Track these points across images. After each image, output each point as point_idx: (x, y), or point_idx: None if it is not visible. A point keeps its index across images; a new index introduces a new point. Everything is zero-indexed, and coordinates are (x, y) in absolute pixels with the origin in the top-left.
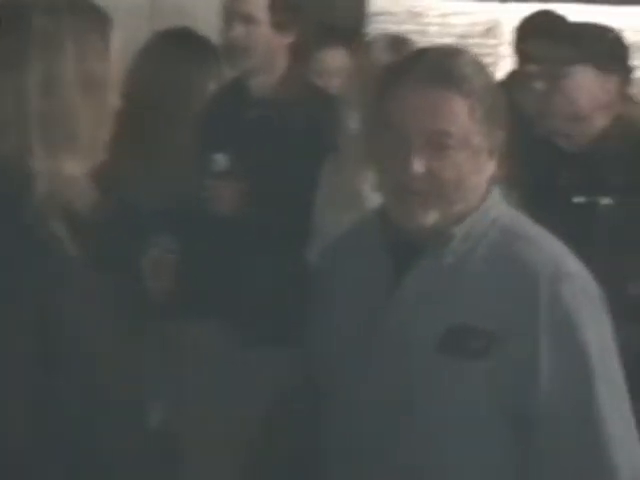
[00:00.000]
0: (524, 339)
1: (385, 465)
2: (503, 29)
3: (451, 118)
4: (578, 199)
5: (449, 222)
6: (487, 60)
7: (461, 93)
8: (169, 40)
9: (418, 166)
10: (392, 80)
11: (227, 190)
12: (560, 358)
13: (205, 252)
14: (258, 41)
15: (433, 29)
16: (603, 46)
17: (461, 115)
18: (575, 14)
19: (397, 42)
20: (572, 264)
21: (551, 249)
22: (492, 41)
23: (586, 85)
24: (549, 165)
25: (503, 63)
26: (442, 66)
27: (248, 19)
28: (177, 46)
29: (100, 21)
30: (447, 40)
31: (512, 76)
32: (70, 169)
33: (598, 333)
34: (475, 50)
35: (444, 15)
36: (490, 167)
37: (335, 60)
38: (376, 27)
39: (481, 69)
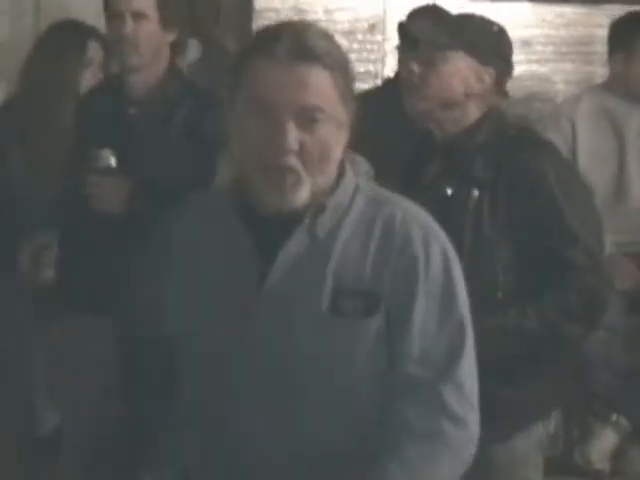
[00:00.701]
0: (406, 297)
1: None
2: (387, 25)
3: (319, 92)
4: (446, 190)
5: (316, 195)
6: (374, 56)
7: (325, 66)
8: (50, 32)
9: (292, 142)
10: (252, 59)
11: (111, 187)
12: (438, 310)
13: (87, 248)
14: (147, 38)
15: (319, 26)
16: (482, 37)
17: (328, 88)
18: (461, 9)
19: None
20: (435, 226)
21: (416, 213)
22: (378, 37)
23: (461, 72)
24: (419, 154)
25: (389, 59)
26: (302, 41)
27: (139, 16)
28: (56, 37)
29: None
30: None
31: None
32: None
33: (464, 291)
34: (361, 47)
35: (328, 11)
36: (345, 138)
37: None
38: (262, 23)
39: (332, 41)
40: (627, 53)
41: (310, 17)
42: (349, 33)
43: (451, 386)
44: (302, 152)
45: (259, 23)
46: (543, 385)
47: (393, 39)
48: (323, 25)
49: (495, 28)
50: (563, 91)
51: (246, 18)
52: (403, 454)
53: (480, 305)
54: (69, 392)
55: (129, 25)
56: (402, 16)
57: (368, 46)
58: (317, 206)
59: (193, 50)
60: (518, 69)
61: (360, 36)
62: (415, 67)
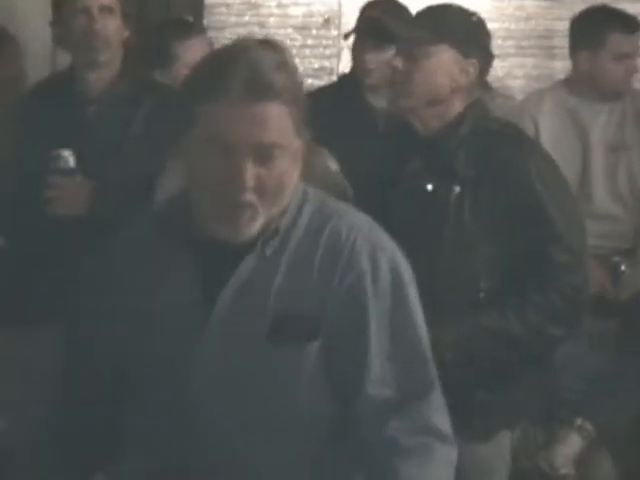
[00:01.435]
0: (353, 312)
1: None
2: (343, 19)
3: (277, 129)
4: (427, 185)
5: (268, 222)
6: (329, 52)
7: (283, 102)
8: None
9: (249, 179)
10: (206, 98)
11: (72, 189)
12: (389, 324)
13: (43, 252)
14: (116, 32)
15: (272, 20)
16: (464, 29)
17: (285, 123)
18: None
19: None
20: (383, 237)
21: (362, 223)
22: (333, 32)
23: (445, 66)
24: (400, 151)
25: (345, 54)
26: (258, 77)
27: (106, 10)
28: None
29: None
30: (286, 32)
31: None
32: None
33: (417, 301)
34: (316, 42)
35: (282, 6)
36: (300, 166)
37: (187, 52)
38: (214, 19)
39: (289, 71)
40: (592, 51)
41: (263, 12)
42: (303, 28)
43: (427, 401)
44: (259, 187)
45: (210, 19)
46: (516, 389)
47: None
48: (276, 20)
49: (474, 18)
50: (524, 86)
51: (196, 14)
52: (391, 469)
53: (460, 304)
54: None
55: (99, 20)
56: (357, 10)
57: (323, 41)
58: (270, 231)
59: None
60: None
61: (315, 31)
62: (398, 63)
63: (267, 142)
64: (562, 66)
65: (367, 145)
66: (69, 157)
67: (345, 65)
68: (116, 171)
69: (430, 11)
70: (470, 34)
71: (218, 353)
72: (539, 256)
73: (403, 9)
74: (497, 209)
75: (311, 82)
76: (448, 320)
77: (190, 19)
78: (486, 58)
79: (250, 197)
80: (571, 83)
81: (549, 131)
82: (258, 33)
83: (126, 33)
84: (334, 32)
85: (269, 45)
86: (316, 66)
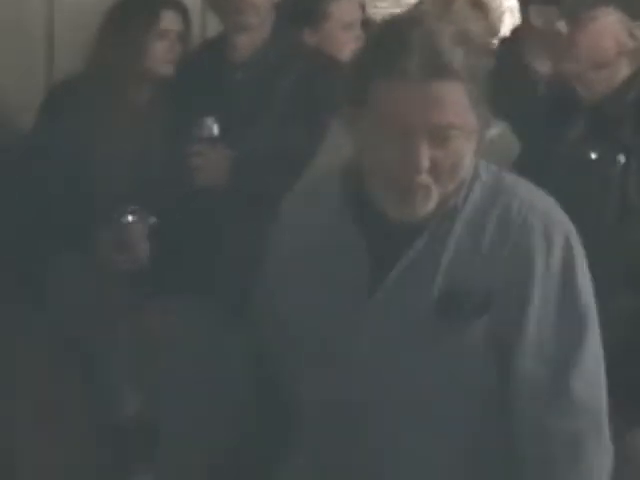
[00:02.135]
0: (520, 288)
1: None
2: None
3: (454, 109)
4: (592, 154)
5: (442, 202)
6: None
7: (461, 81)
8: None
9: (425, 161)
10: (379, 75)
11: (215, 158)
12: (555, 303)
13: (187, 223)
14: None
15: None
16: None
17: (462, 103)
18: None
19: None
20: (559, 214)
21: (537, 201)
22: None
23: (611, 29)
24: (562, 117)
25: (506, 17)
26: (437, 56)
27: None
28: (125, 6)
29: None
30: None
31: (517, 31)
32: None
33: (587, 281)
34: None
35: None
36: (476, 144)
37: (340, 11)
38: None
39: (469, 45)
40: None
41: None
42: None
43: (578, 378)
44: (434, 169)
45: None
46: None
47: None
48: None
49: None
50: None
51: None
52: (549, 459)
53: (623, 282)
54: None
55: None
56: None
57: None
58: (444, 211)
59: None
60: None
61: None
62: (562, 27)
63: (444, 124)
64: None
65: (528, 110)
66: (212, 124)
67: (506, 28)
68: (259, 140)
69: None
70: None
71: (384, 328)
72: None
73: None
74: None
75: None
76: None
77: None
78: None
79: (425, 179)
80: None
81: None
82: None
83: None
84: None
85: (449, 28)
86: None
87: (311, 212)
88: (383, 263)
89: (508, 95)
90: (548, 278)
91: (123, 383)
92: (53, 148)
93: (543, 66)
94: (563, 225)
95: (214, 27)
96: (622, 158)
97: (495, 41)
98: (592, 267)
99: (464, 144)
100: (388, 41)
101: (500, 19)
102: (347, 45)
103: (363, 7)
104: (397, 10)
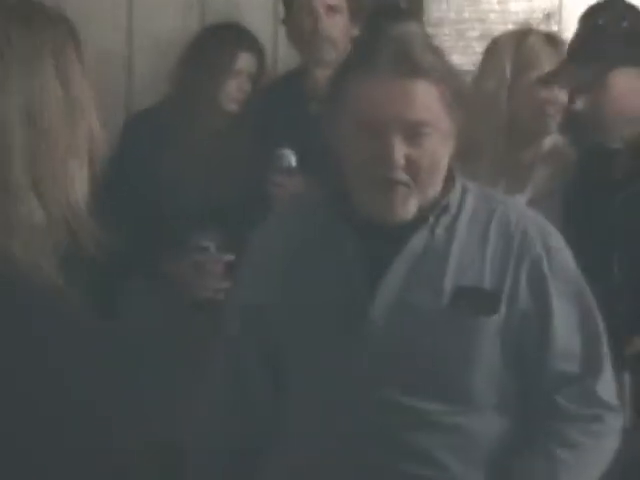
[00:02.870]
0: (535, 292)
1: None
2: (563, 14)
3: (426, 107)
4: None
5: (424, 206)
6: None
7: (432, 80)
8: (202, 36)
9: (399, 157)
10: (353, 73)
11: (293, 187)
12: (568, 303)
13: None
14: (342, 32)
15: (492, 16)
16: None
17: (434, 103)
18: None
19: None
20: (549, 224)
21: (528, 212)
22: (554, 27)
23: (633, 86)
24: (602, 163)
25: None
26: (406, 55)
27: (333, 9)
28: (206, 43)
29: (73, 34)
30: (507, 27)
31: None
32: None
33: (577, 270)
34: None
35: (502, 2)
36: (452, 147)
37: None
38: (433, 15)
39: (438, 53)
40: None
41: (483, 7)
42: (523, 23)
43: (600, 377)
44: (410, 166)
45: (429, 15)
46: None
47: (570, 30)
48: (497, 16)
49: None
50: None
51: (417, 8)
52: (566, 436)
53: None
54: None
55: (324, 20)
56: (578, 4)
57: None
58: (441, 208)
59: None
60: None
61: (535, 26)
62: (587, 84)
63: (414, 119)
64: None
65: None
66: (291, 156)
67: None
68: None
69: (622, 30)
70: None
71: (389, 325)
72: None
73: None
74: None
75: None
76: None
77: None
78: None
79: (401, 175)
80: None
81: None
82: (478, 28)
83: (354, 31)
84: (555, 27)
85: (419, 35)
86: None
87: (304, 229)
88: (381, 264)
89: None
90: (558, 282)
91: None
92: (131, 173)
93: None
94: (553, 233)
95: (287, 62)
96: None
97: None
98: None
99: (439, 145)
100: (365, 41)
101: None
102: None
103: None
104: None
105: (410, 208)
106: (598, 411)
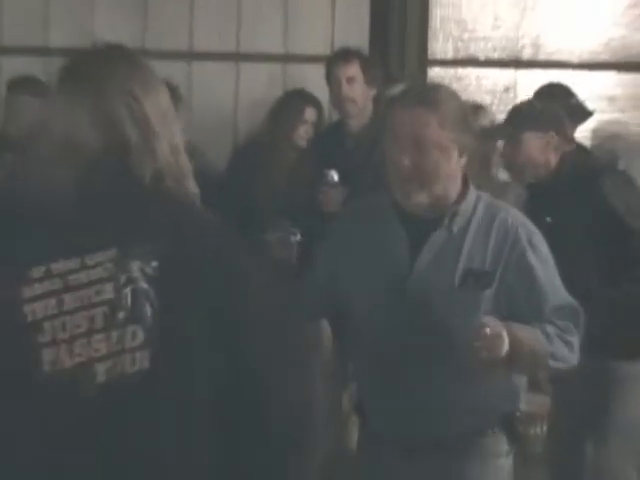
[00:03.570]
0: (524, 272)
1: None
2: (518, 89)
3: (425, 127)
4: (547, 219)
5: (437, 202)
6: None
7: (432, 111)
8: (283, 98)
9: (405, 161)
10: (391, 103)
11: (335, 195)
12: (545, 271)
13: (317, 236)
14: (358, 94)
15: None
16: (546, 115)
17: (432, 125)
18: None
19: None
20: (532, 226)
21: (521, 217)
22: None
23: (535, 144)
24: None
25: None
26: (421, 94)
27: (352, 79)
28: (284, 102)
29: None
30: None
31: None
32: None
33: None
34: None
35: (479, 78)
36: (461, 162)
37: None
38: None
39: (452, 96)
40: None
41: (464, 82)
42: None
43: (575, 324)
44: (413, 167)
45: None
46: None
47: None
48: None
49: (563, 102)
50: None
51: (422, 71)
52: (545, 329)
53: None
54: None
55: (345, 87)
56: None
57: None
58: (453, 212)
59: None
60: None
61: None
62: (500, 146)
63: (416, 135)
64: None
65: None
66: (334, 175)
67: None
68: (368, 181)
69: (528, 105)
70: (550, 117)
71: (419, 296)
72: None
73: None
74: None
75: None
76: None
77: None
78: (561, 128)
79: (407, 173)
80: None
81: None
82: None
83: (372, 92)
84: (512, 97)
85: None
86: None
87: (367, 218)
88: (417, 246)
89: None
90: (541, 264)
91: None
92: (236, 185)
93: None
94: (535, 233)
95: (334, 115)
96: (564, 221)
97: None
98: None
99: (438, 155)
100: (402, 91)
101: None
102: None
103: None
104: None
105: (421, 198)
106: (569, 324)
